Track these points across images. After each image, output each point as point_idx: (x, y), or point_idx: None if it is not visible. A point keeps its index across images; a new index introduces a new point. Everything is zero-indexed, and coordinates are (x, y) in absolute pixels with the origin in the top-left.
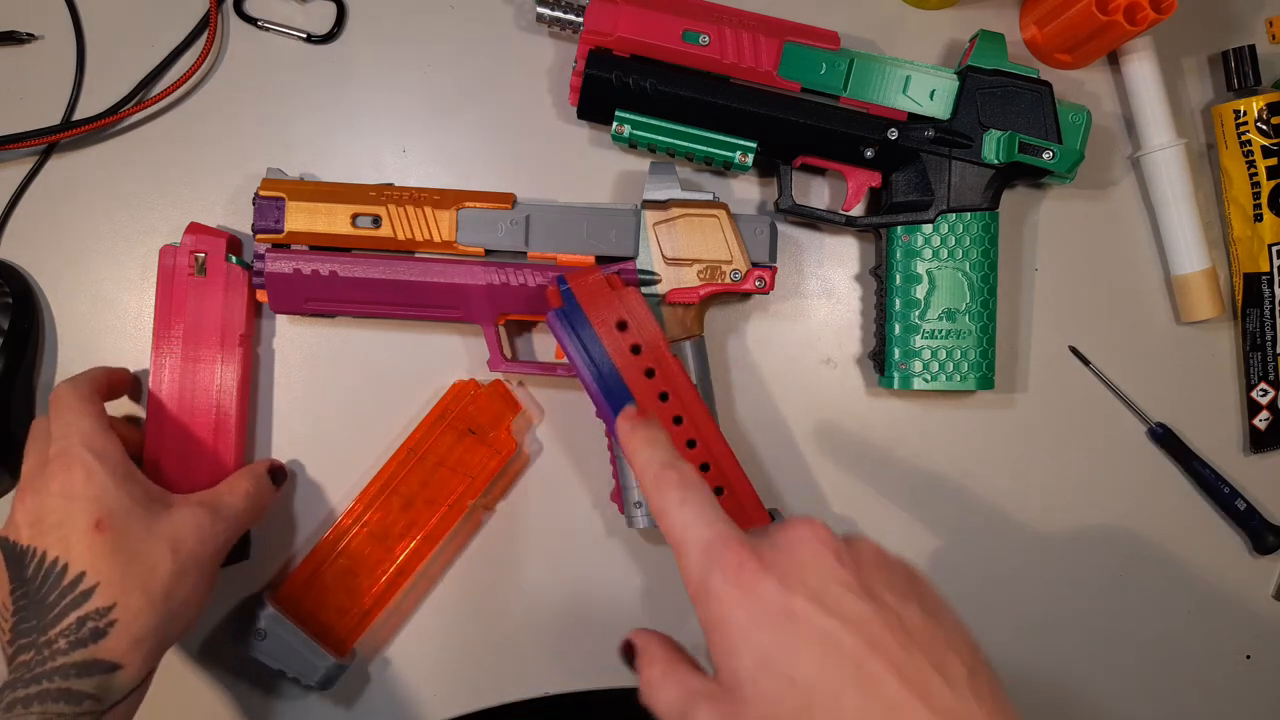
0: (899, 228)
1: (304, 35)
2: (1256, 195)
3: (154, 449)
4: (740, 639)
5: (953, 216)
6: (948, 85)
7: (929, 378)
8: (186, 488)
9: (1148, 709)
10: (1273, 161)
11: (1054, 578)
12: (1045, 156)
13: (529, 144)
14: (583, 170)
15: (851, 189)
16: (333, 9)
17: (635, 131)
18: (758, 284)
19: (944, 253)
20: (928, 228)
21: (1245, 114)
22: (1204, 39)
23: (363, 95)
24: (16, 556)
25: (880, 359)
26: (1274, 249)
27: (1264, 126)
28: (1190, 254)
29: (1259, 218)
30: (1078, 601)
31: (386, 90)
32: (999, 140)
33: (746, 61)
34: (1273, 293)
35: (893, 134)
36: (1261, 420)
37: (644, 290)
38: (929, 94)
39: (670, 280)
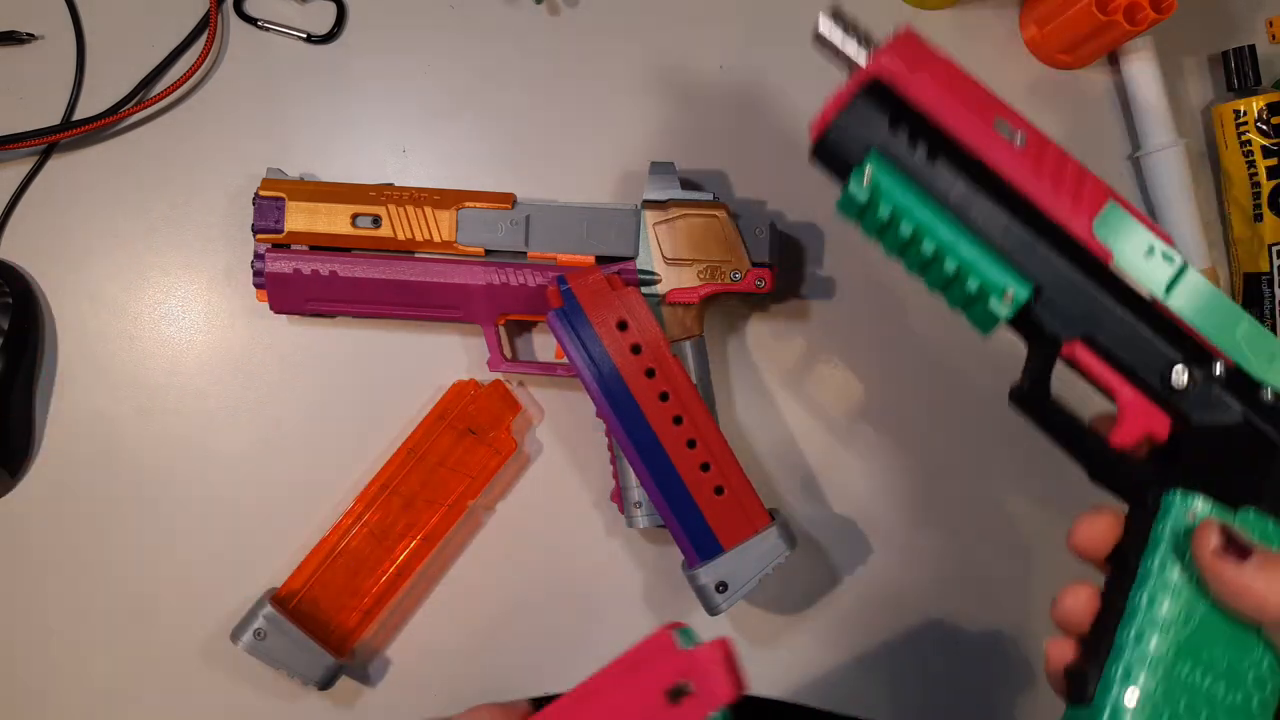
0: (1179, 493)
1: (304, 35)
2: (1256, 195)
3: None
4: None
5: (1271, 521)
6: None
7: None
8: None
9: None
10: (1273, 161)
11: (1055, 577)
12: None
13: (529, 144)
14: (583, 170)
15: (1126, 422)
16: (333, 9)
17: (886, 191)
18: (758, 284)
19: None
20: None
21: (1245, 114)
22: (1204, 39)
23: (363, 95)
24: None
25: (1079, 677)
26: (1274, 249)
27: (1264, 126)
28: (1190, 254)
29: (1259, 218)
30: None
31: (386, 90)
32: None
33: (1068, 189)
34: (1273, 293)
35: (1219, 370)
36: None
37: (644, 290)
38: None
39: (670, 280)
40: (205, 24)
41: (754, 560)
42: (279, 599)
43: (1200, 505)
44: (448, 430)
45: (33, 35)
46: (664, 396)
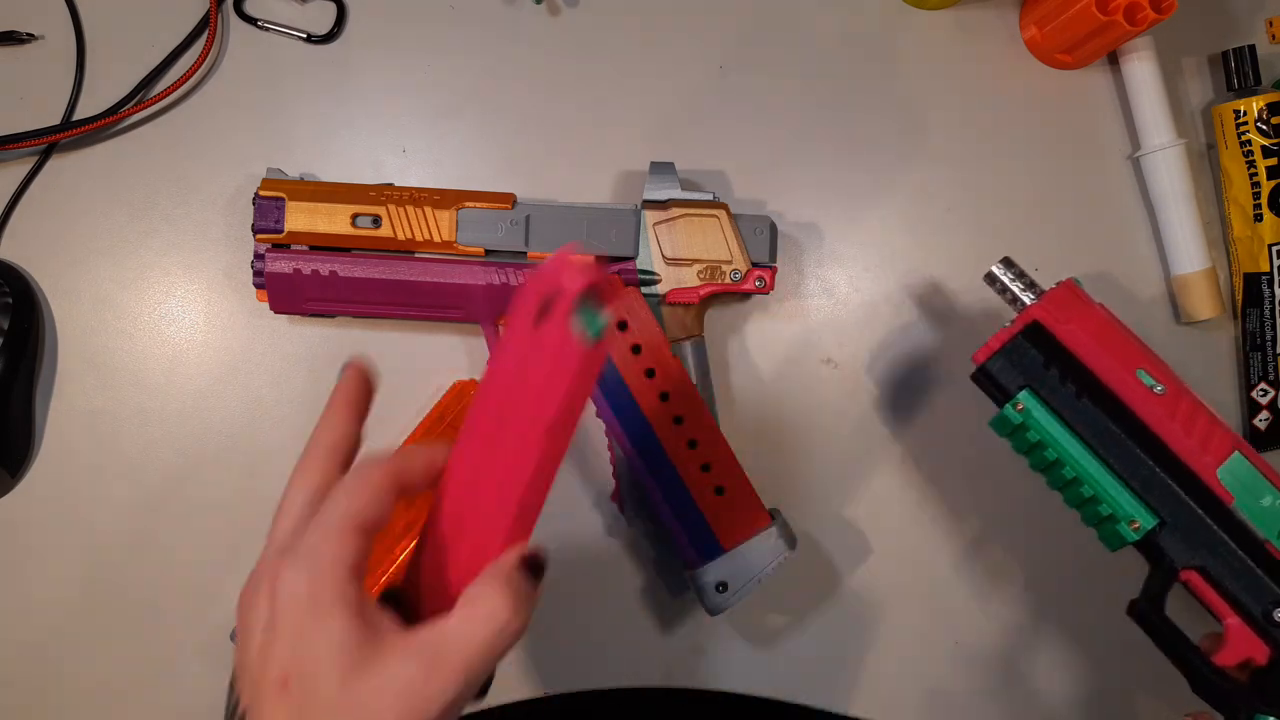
0: (1272, 718)
1: (304, 35)
2: (1256, 195)
3: (432, 546)
4: None
5: None
6: None
7: None
8: (443, 604)
9: (1154, 703)
10: (1273, 161)
11: (1052, 579)
12: None
13: (529, 144)
14: (583, 170)
15: (1229, 646)
16: (333, 9)
17: (1035, 419)
18: (758, 284)
19: None
20: None
21: (1245, 114)
22: (1204, 39)
23: (363, 95)
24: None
25: None
26: (1274, 249)
27: (1264, 126)
28: (1190, 254)
29: (1259, 218)
30: (1072, 603)
31: (386, 90)
32: None
33: (1198, 436)
34: (1273, 293)
35: None
36: (1261, 420)
37: (644, 290)
38: None
39: (670, 280)
40: (205, 24)
41: (754, 560)
42: None
43: None
44: (448, 430)
45: (33, 35)
46: (664, 397)
